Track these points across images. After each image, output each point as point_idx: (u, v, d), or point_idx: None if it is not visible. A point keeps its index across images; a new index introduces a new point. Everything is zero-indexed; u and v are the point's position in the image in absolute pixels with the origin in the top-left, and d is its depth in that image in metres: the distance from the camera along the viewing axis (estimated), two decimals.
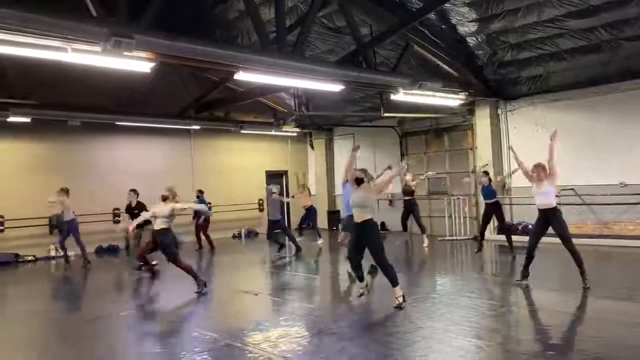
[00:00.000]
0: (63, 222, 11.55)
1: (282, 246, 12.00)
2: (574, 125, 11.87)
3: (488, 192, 10.31)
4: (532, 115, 12.69)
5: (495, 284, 8.24)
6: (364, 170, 6.79)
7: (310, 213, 14.22)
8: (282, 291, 8.37)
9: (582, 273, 6.94)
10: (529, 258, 7.36)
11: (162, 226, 7.86)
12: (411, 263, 10.91)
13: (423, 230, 12.12)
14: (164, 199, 8.00)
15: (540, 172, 7.18)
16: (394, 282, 6.43)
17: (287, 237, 12.11)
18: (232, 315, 7.00)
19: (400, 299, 6.37)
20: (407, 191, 12.11)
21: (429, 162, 15.41)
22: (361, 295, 6.86)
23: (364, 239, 6.49)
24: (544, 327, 5.53)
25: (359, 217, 6.48)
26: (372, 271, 8.11)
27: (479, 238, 10.90)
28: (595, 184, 11.32)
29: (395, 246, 12.15)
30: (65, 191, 11.22)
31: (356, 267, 6.80)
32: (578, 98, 11.77)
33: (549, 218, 7.07)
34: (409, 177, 12.14)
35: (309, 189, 14.99)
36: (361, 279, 6.89)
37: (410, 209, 12.05)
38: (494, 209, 10.34)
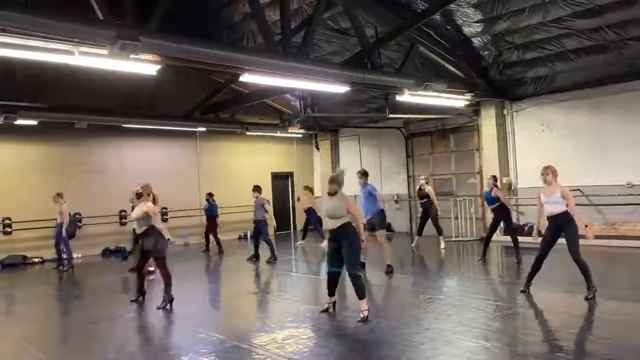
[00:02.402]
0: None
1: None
2: (581, 126, 11.83)
3: (489, 197, 9.90)
4: (538, 115, 12.65)
5: (502, 285, 8.22)
6: (340, 176, 6.41)
7: (309, 215, 14.10)
8: (287, 292, 8.39)
9: (588, 283, 6.44)
10: (537, 267, 6.89)
11: (144, 228, 7.18)
12: (418, 264, 10.91)
13: (439, 232, 11.90)
14: (139, 196, 7.37)
15: (548, 175, 6.61)
16: (361, 295, 6.07)
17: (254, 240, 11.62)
18: (239, 316, 7.02)
19: (366, 313, 5.98)
20: (423, 195, 11.95)
21: (435, 163, 15.39)
22: (326, 310, 6.40)
23: (342, 242, 6.12)
24: (551, 329, 5.51)
25: (334, 225, 6.13)
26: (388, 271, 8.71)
27: (484, 246, 10.22)
28: (603, 184, 11.26)
29: (410, 248, 12.15)
30: (60, 196, 11.25)
31: (333, 280, 6.34)
32: (584, 98, 11.71)
33: (561, 225, 6.53)
34: (423, 180, 12.06)
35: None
36: (332, 293, 6.42)
37: (427, 211, 11.90)
38: (501, 213, 9.89)
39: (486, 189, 10.04)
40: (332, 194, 6.21)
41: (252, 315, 7.10)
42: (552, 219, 6.63)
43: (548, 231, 6.77)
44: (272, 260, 11.08)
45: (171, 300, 7.13)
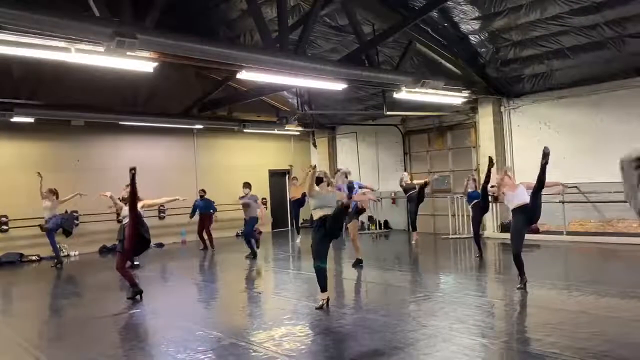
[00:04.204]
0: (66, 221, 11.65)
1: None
2: (578, 123, 11.85)
3: (475, 194, 10.05)
4: (535, 113, 12.66)
5: (498, 282, 8.24)
6: (324, 172, 6.97)
7: (294, 206, 14.03)
8: (284, 289, 8.40)
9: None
10: (520, 262, 6.93)
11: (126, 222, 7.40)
12: (415, 261, 10.92)
13: (414, 227, 12.36)
14: (125, 201, 7.52)
15: (504, 180, 7.21)
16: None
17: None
18: (236, 314, 7.02)
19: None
20: (407, 189, 12.42)
21: (432, 161, 15.40)
22: (320, 307, 6.45)
23: (332, 224, 6.38)
24: (548, 325, 5.52)
25: (326, 212, 6.46)
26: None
27: (476, 243, 10.13)
28: (599, 181, 11.26)
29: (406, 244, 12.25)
30: (52, 192, 11.29)
31: (322, 275, 6.45)
32: (582, 95, 11.73)
33: (529, 212, 6.82)
34: (407, 177, 12.43)
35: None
36: (324, 289, 6.51)
37: (410, 204, 12.33)
38: (484, 209, 10.02)
39: (470, 190, 10.22)
40: (318, 183, 6.69)
41: (249, 313, 7.10)
42: (520, 209, 6.91)
43: (518, 224, 6.98)
44: (251, 256, 11.35)
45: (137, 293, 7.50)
